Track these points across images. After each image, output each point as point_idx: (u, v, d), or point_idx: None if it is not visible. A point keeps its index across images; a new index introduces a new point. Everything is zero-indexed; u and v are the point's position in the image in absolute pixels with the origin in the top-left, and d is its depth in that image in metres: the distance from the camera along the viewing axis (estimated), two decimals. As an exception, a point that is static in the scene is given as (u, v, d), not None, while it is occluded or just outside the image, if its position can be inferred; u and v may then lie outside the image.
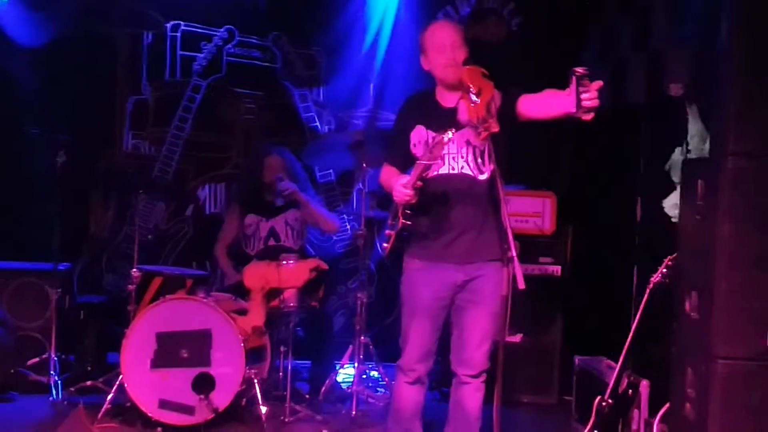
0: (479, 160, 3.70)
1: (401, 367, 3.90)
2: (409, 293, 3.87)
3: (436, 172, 3.68)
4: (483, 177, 3.62)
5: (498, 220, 3.42)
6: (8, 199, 6.07)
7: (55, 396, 5.15)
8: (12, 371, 5.24)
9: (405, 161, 3.78)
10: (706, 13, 4.79)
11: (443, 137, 3.35)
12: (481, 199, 3.67)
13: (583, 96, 3.06)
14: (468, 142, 3.68)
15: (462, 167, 3.72)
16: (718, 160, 3.67)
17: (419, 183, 3.55)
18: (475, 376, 3.83)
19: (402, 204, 3.63)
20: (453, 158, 3.72)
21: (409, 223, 3.66)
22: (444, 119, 3.57)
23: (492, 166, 3.38)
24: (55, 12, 6.13)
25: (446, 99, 3.76)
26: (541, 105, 3.57)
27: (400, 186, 3.58)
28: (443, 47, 3.69)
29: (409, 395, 3.91)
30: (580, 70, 3.06)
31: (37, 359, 5.36)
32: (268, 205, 5.65)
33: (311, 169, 6.39)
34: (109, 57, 6.35)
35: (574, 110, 3.10)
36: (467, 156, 3.72)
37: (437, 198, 3.72)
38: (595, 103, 3.08)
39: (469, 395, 3.85)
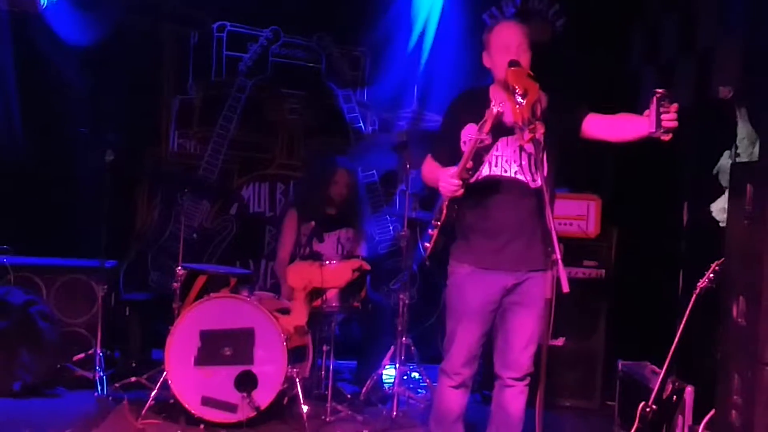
0: (533, 167, 3.60)
1: (445, 370, 3.85)
2: (457, 298, 3.80)
3: (488, 173, 3.63)
4: (536, 184, 3.59)
5: (545, 225, 3.36)
6: (57, 197, 6.16)
7: (100, 391, 5.20)
8: (58, 366, 5.30)
9: (452, 157, 3.65)
10: (754, 14, 4.73)
11: (492, 109, 3.31)
12: (531, 206, 3.61)
13: (664, 116, 3.13)
14: (521, 147, 3.60)
15: (516, 172, 3.64)
16: (768, 164, 3.63)
17: (466, 174, 3.48)
18: (520, 379, 3.79)
19: (448, 197, 3.57)
20: (506, 161, 3.65)
21: (453, 216, 3.62)
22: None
23: (545, 173, 3.37)
24: (103, 12, 6.20)
25: (501, 98, 3.69)
26: (615, 128, 3.58)
27: (448, 176, 3.50)
28: (508, 48, 3.61)
29: (453, 399, 3.86)
30: (660, 91, 3.13)
31: (82, 355, 5.42)
32: (327, 218, 5.59)
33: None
34: (155, 57, 6.42)
35: (653, 130, 3.16)
36: (521, 161, 3.64)
37: (488, 201, 3.65)
38: (675, 123, 3.14)
39: (513, 398, 3.81)
